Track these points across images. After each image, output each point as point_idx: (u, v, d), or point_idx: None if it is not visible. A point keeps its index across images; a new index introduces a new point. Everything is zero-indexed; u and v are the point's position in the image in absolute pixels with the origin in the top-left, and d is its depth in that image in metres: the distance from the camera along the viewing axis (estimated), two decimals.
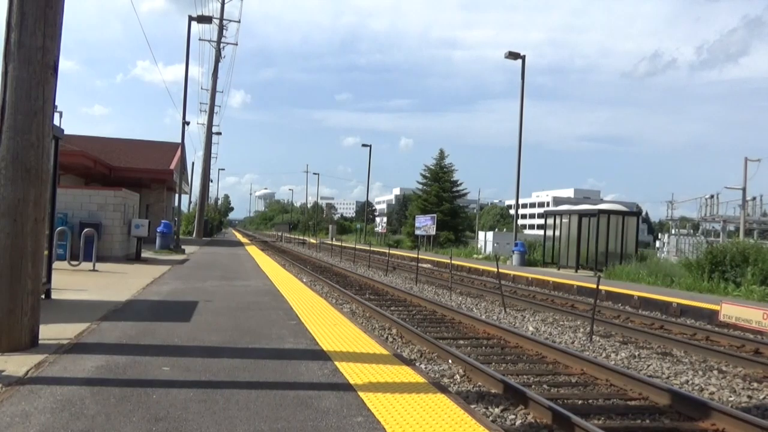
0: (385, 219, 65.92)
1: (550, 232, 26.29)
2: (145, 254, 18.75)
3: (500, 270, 14.55)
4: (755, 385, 6.82)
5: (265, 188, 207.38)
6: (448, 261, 18.12)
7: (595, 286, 10.23)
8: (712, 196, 37.55)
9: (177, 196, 37.08)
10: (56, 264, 10.59)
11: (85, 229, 14.14)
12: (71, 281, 10.41)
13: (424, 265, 24.33)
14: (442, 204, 50.67)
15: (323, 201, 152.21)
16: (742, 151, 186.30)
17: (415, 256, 23.81)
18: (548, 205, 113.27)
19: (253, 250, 28.50)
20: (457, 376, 6.52)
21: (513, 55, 23.85)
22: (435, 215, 44.46)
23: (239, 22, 41.70)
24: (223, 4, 39.83)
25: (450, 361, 7.14)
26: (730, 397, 6.28)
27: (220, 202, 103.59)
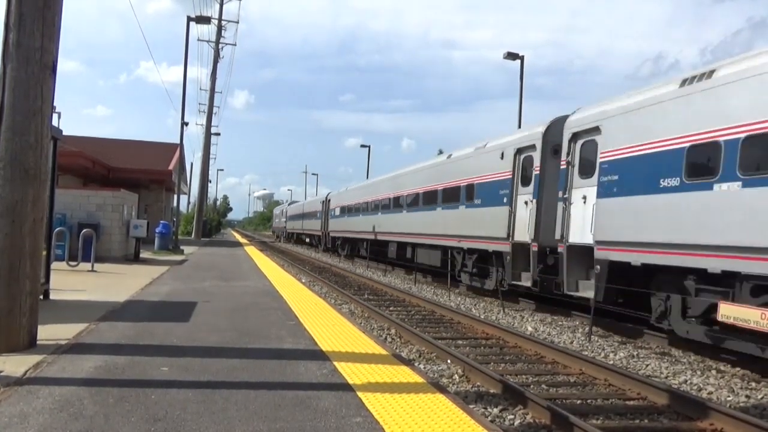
0: None
1: None
2: (143, 255, 18.74)
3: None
4: (753, 384, 6.82)
5: (264, 189, 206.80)
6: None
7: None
8: None
9: (176, 196, 37.12)
10: (55, 264, 10.58)
11: (84, 230, 14.13)
12: (70, 282, 10.40)
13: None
14: None
15: None
16: None
17: None
18: None
19: (252, 251, 28.49)
20: (456, 376, 6.52)
21: (512, 56, 23.82)
22: None
23: (237, 22, 41.68)
24: (221, 4, 39.83)
25: (449, 361, 7.14)
26: (729, 396, 6.28)
27: (219, 202, 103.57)
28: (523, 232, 12.15)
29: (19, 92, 4.99)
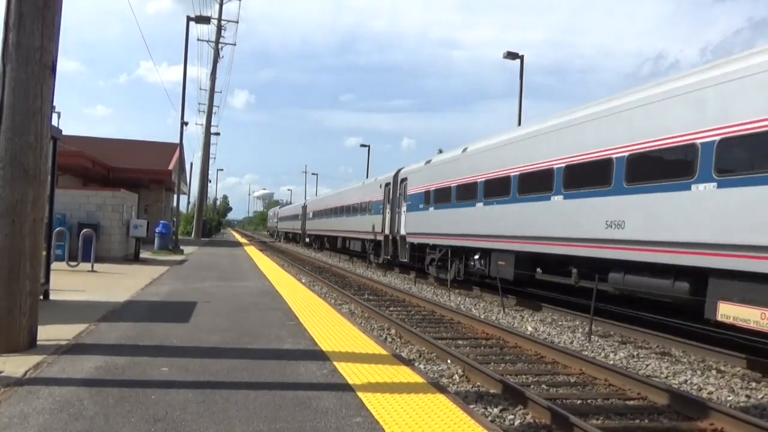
0: None
1: None
2: (143, 255, 18.74)
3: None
4: (753, 384, 6.82)
5: (264, 189, 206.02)
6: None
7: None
8: None
9: (175, 196, 37.10)
10: (55, 265, 10.58)
11: (84, 230, 14.13)
12: (70, 282, 10.40)
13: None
14: None
15: None
16: None
17: None
18: None
19: (252, 251, 28.48)
20: (456, 376, 6.53)
21: (511, 56, 23.80)
22: None
23: (237, 22, 41.66)
24: (221, 4, 39.83)
25: (449, 361, 7.14)
26: (729, 396, 6.29)
27: (218, 202, 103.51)
28: (387, 229, 22.30)
29: (18, 92, 4.99)
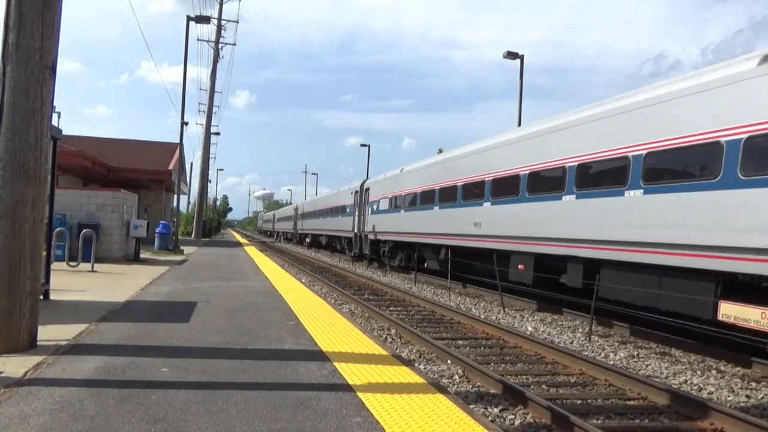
0: None
1: None
2: (143, 255, 18.74)
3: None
4: (753, 384, 6.82)
5: (264, 189, 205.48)
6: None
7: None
8: None
9: (175, 196, 37.07)
10: (55, 265, 10.58)
11: (84, 230, 14.13)
12: (70, 282, 10.40)
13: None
14: None
15: None
16: None
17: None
18: None
19: (252, 251, 28.47)
20: (456, 377, 6.53)
21: (511, 55, 23.79)
22: None
23: (237, 22, 41.64)
24: (221, 4, 39.81)
25: (449, 361, 7.14)
26: (729, 396, 6.29)
27: (218, 202, 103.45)
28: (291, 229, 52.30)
29: (18, 92, 4.99)
